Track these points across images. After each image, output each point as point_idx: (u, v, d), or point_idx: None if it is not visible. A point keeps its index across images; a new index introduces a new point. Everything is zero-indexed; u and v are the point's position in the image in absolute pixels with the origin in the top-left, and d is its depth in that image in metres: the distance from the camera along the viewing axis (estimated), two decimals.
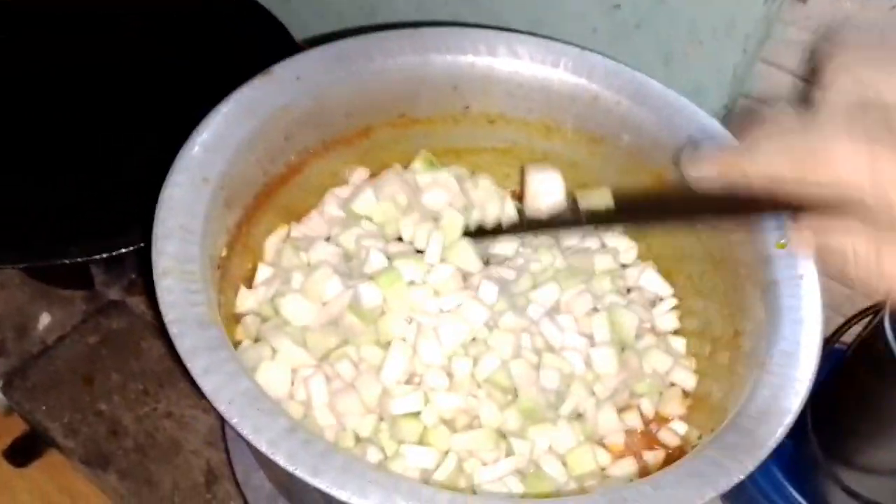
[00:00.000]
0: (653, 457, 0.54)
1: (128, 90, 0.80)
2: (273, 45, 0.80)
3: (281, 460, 0.39)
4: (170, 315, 0.44)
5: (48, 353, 0.73)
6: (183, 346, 0.43)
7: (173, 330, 0.43)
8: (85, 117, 0.77)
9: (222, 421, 0.44)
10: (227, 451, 0.64)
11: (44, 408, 0.70)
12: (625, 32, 0.65)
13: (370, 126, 0.63)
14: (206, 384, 0.41)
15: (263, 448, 0.39)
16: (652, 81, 0.60)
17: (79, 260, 0.63)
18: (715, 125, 0.59)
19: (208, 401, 0.41)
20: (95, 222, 0.67)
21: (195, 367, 0.42)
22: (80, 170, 0.74)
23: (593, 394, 0.55)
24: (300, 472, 0.39)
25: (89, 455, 0.68)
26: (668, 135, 0.59)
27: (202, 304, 0.46)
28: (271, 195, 0.59)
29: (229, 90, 0.55)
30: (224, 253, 0.54)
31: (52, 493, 0.73)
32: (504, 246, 0.60)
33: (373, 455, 0.49)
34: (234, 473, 0.61)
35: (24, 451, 0.75)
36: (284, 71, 0.58)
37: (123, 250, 0.62)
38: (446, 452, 0.50)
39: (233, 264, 0.55)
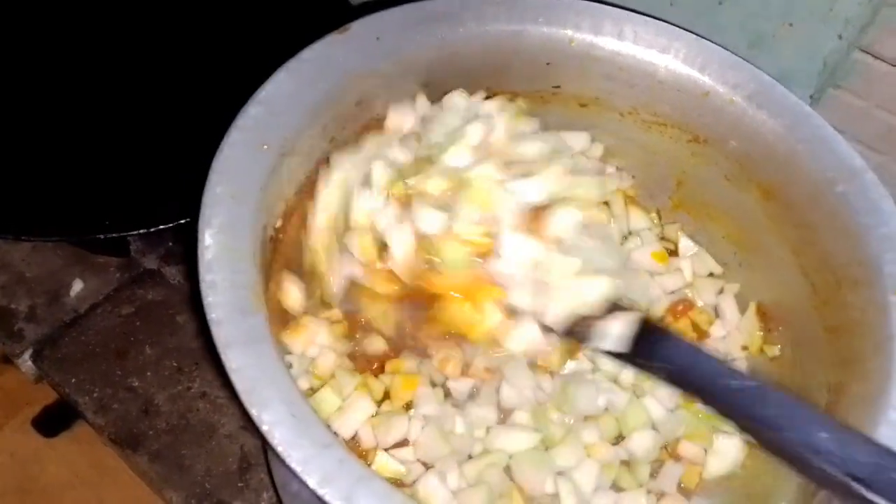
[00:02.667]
0: None
1: (173, 57, 0.77)
2: (324, 5, 0.76)
3: (312, 481, 0.36)
4: (209, 297, 0.40)
5: (80, 323, 0.71)
6: (219, 335, 0.39)
7: (211, 315, 0.40)
8: (127, 87, 0.75)
9: None
10: (264, 446, 0.61)
11: (74, 381, 0.68)
12: (708, 7, 0.58)
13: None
14: (239, 382, 0.38)
15: (293, 465, 0.36)
16: (775, 83, 0.53)
17: (114, 235, 0.61)
18: (837, 140, 0.52)
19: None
20: (133, 196, 0.65)
21: (229, 360, 0.38)
22: (120, 141, 0.72)
23: None
24: (329, 497, 0.35)
25: (119, 434, 0.65)
26: (785, 147, 0.52)
27: (246, 287, 0.42)
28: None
29: (279, 54, 0.50)
30: (279, 224, 0.50)
31: (82, 466, 0.72)
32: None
33: None
34: (270, 472, 0.59)
35: (54, 421, 0.74)
36: (364, 29, 0.53)
37: (161, 227, 0.60)
38: None
39: (287, 238, 0.51)
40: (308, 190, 0.53)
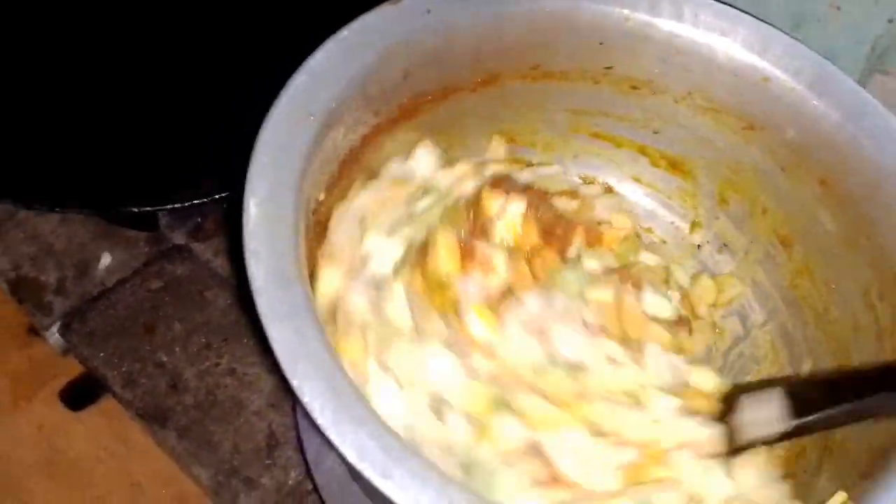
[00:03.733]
0: None
1: (214, 29, 0.77)
2: None
3: (351, 455, 0.35)
4: (252, 266, 0.40)
5: (108, 297, 0.71)
6: (262, 304, 0.39)
7: (254, 284, 0.39)
8: (166, 59, 0.75)
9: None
10: (295, 423, 0.61)
11: (102, 355, 0.68)
12: None
13: (499, 74, 0.56)
14: (280, 352, 0.37)
15: (332, 437, 0.35)
16: (839, 72, 0.51)
17: (148, 209, 0.61)
18: None
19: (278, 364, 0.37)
20: (166, 171, 0.65)
21: (270, 330, 0.38)
22: (155, 115, 0.72)
23: None
24: (368, 473, 0.35)
25: (147, 409, 0.66)
26: (844, 137, 0.50)
27: (289, 256, 0.41)
28: (379, 138, 0.54)
29: (320, 27, 0.49)
30: (322, 197, 0.50)
31: (109, 440, 0.71)
32: None
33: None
34: (302, 449, 0.58)
35: (82, 394, 0.73)
36: (415, 1, 0.52)
37: (194, 202, 0.60)
38: None
39: (329, 210, 0.51)
40: (352, 162, 0.53)
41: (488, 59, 0.55)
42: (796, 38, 0.53)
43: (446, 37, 0.53)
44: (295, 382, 0.37)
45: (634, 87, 0.58)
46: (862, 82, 0.56)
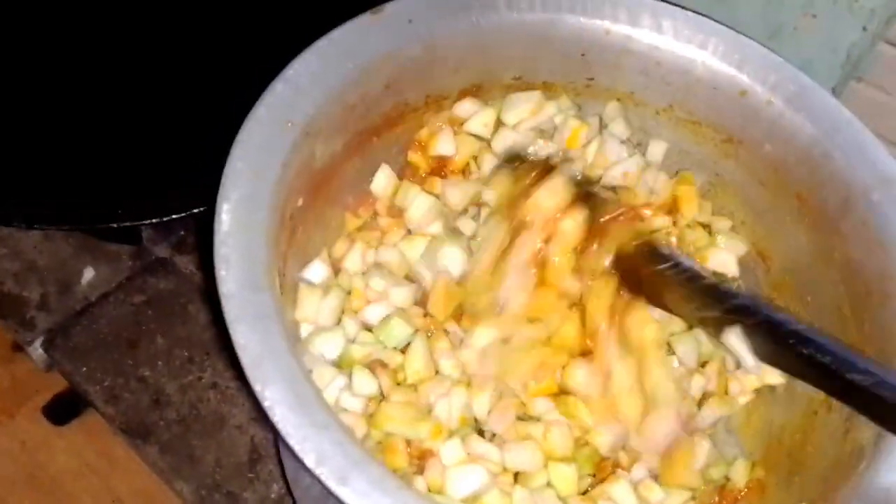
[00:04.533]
0: None
1: (190, 47, 0.77)
2: None
3: (309, 460, 0.36)
4: (222, 270, 0.41)
5: (91, 312, 0.71)
6: (229, 309, 0.40)
7: (222, 289, 0.40)
8: (142, 74, 0.76)
9: None
10: (276, 440, 0.62)
11: (85, 370, 0.68)
12: None
13: (480, 85, 0.57)
14: (245, 357, 0.38)
15: (291, 442, 0.36)
16: (816, 86, 0.52)
17: (127, 224, 0.62)
18: (877, 147, 0.50)
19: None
20: (147, 185, 0.65)
21: (236, 335, 0.39)
22: (134, 130, 0.72)
23: None
24: (325, 477, 0.36)
25: (130, 424, 0.66)
26: (820, 152, 0.51)
27: (260, 263, 0.42)
28: (363, 147, 0.55)
29: (295, 43, 0.50)
30: (300, 203, 0.50)
31: (91, 455, 0.72)
32: None
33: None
34: (281, 465, 0.59)
35: (64, 409, 0.74)
36: (397, 11, 0.53)
37: (175, 216, 0.60)
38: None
39: (308, 217, 0.52)
40: (333, 170, 0.54)
41: (471, 69, 0.56)
42: (772, 48, 0.54)
43: (428, 47, 0.53)
44: (257, 387, 0.38)
45: (617, 100, 0.58)
46: (838, 90, 0.57)
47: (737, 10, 0.57)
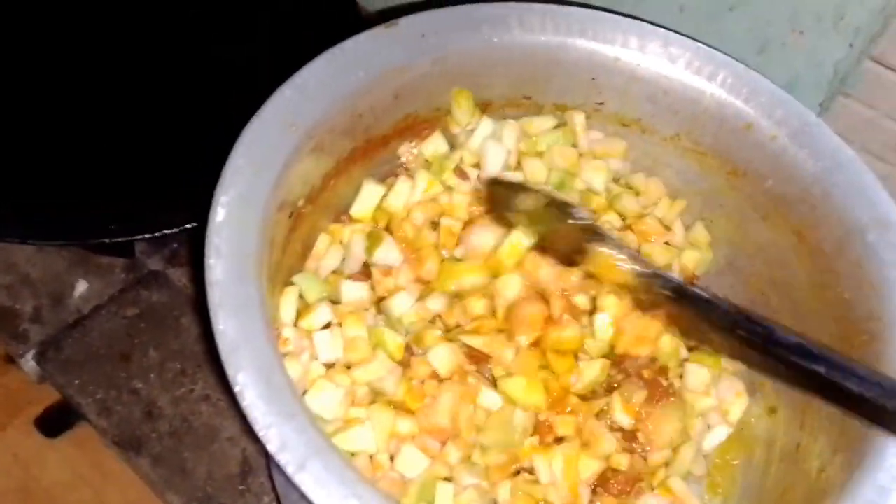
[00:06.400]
0: None
1: (184, 64, 0.79)
2: (337, 16, 0.77)
3: (271, 446, 0.38)
4: (212, 258, 0.43)
5: (84, 324, 0.72)
6: (213, 296, 0.42)
7: (209, 276, 0.42)
8: (136, 88, 0.77)
9: None
10: (266, 454, 0.62)
11: (77, 382, 0.69)
12: (717, 14, 0.59)
13: (489, 102, 0.59)
14: (222, 343, 0.40)
15: (256, 428, 0.38)
16: (821, 122, 0.52)
17: (120, 240, 0.63)
18: (876, 188, 0.50)
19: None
20: (140, 200, 0.66)
21: (217, 321, 0.41)
22: (127, 145, 0.73)
23: None
24: (284, 462, 0.37)
25: (122, 436, 0.67)
26: (819, 191, 0.51)
27: (250, 256, 0.45)
28: (370, 154, 0.57)
29: (289, 62, 0.52)
30: (301, 203, 0.53)
31: (83, 467, 0.73)
32: None
33: None
34: (272, 478, 0.60)
35: (57, 421, 0.74)
36: (410, 25, 0.55)
37: (167, 231, 0.62)
38: None
39: (309, 219, 0.54)
40: (336, 175, 0.56)
41: (481, 86, 0.58)
42: (760, 64, 0.56)
43: (438, 62, 0.55)
44: (231, 371, 0.40)
45: (625, 125, 0.60)
46: (826, 105, 0.59)
47: (725, 28, 0.59)
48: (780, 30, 0.57)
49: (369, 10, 0.80)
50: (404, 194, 0.57)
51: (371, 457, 0.48)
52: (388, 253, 0.55)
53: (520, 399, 0.50)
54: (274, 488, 0.63)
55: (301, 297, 0.53)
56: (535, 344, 0.52)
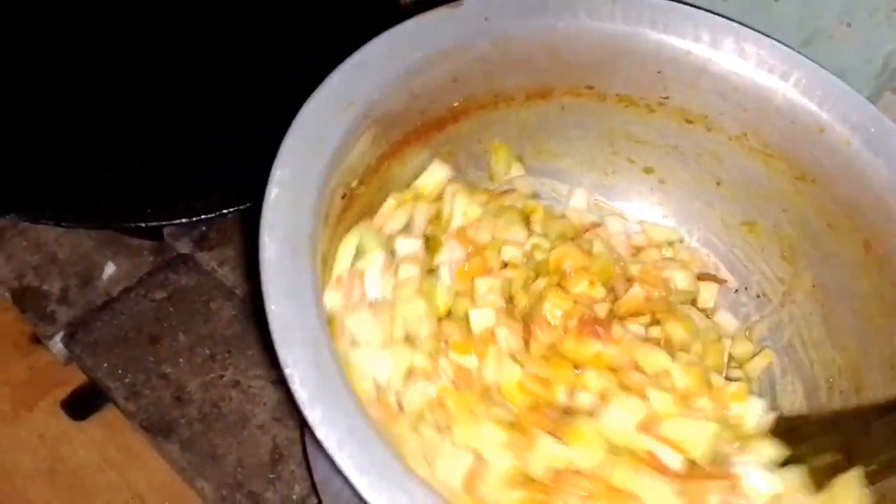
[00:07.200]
0: None
1: (219, 50, 0.79)
2: (375, 6, 0.76)
3: (319, 429, 0.37)
4: (266, 236, 0.43)
5: (112, 307, 0.72)
6: (267, 275, 0.41)
7: (263, 254, 0.42)
8: (175, 75, 0.78)
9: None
10: (303, 443, 0.62)
11: (105, 365, 0.69)
12: (763, 3, 0.57)
13: (551, 89, 0.58)
14: (274, 322, 0.40)
15: (303, 409, 0.38)
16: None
17: (154, 224, 0.62)
18: None
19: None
20: (173, 185, 0.66)
21: (270, 302, 0.40)
22: (162, 129, 0.74)
23: None
24: (327, 443, 0.37)
25: (151, 421, 0.66)
26: (894, 200, 0.49)
27: (303, 235, 0.44)
28: (425, 136, 0.57)
29: (324, 50, 0.51)
30: (355, 184, 0.52)
31: (110, 450, 0.71)
32: None
33: None
34: (308, 468, 0.59)
35: (84, 403, 0.74)
36: (474, 7, 0.54)
37: (202, 217, 0.61)
38: None
39: (361, 200, 0.53)
40: (391, 156, 0.55)
41: (542, 72, 0.57)
42: (806, 56, 0.53)
43: (501, 45, 0.54)
44: (281, 352, 0.39)
45: (689, 122, 0.58)
46: (872, 100, 0.56)
47: (771, 17, 0.57)
48: (829, 21, 0.56)
49: (408, 0, 0.79)
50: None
51: (378, 387, 0.48)
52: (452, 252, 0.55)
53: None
54: (311, 475, 0.63)
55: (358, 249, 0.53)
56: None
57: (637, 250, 0.62)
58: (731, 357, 0.60)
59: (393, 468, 0.38)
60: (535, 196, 0.64)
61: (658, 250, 0.62)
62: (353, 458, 0.37)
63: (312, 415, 0.38)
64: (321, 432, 0.37)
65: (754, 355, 0.60)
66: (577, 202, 0.64)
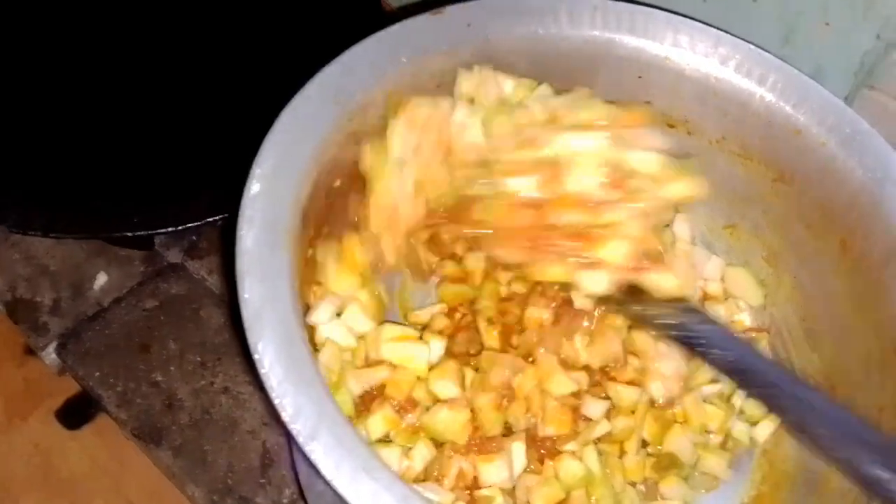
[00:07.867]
0: None
1: (204, 57, 0.80)
2: (360, 11, 0.78)
3: (285, 414, 0.38)
4: (243, 229, 0.44)
5: (104, 316, 0.73)
6: (242, 264, 0.43)
7: (240, 245, 0.43)
8: (157, 83, 0.79)
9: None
10: (289, 446, 0.63)
11: (97, 374, 0.70)
12: (742, 3, 0.58)
13: None
14: (246, 310, 0.41)
15: (272, 396, 0.39)
16: (873, 131, 0.51)
17: (142, 233, 0.63)
18: None
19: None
20: (161, 194, 0.67)
21: (243, 289, 0.42)
22: (148, 139, 0.74)
23: None
24: (296, 432, 0.38)
25: (143, 428, 0.67)
26: (869, 200, 0.50)
27: (282, 229, 0.46)
28: None
29: (310, 57, 0.52)
30: (337, 184, 0.54)
31: (104, 457, 0.73)
32: None
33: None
34: (294, 470, 0.60)
35: (77, 412, 0.75)
36: (457, 14, 0.55)
37: (189, 225, 0.62)
38: None
39: (344, 201, 0.55)
40: None
41: (525, 77, 0.58)
42: (785, 54, 0.55)
43: (484, 51, 0.56)
44: (252, 339, 0.40)
45: (671, 126, 0.59)
46: (850, 97, 0.57)
47: (752, 17, 0.58)
48: (807, 20, 0.56)
49: (393, 5, 0.81)
50: None
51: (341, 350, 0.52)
52: None
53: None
54: (297, 479, 0.64)
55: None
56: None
57: None
58: None
59: (361, 453, 0.39)
60: None
61: None
62: (324, 447, 0.38)
63: (281, 402, 0.39)
64: (293, 426, 0.38)
65: None
66: None
